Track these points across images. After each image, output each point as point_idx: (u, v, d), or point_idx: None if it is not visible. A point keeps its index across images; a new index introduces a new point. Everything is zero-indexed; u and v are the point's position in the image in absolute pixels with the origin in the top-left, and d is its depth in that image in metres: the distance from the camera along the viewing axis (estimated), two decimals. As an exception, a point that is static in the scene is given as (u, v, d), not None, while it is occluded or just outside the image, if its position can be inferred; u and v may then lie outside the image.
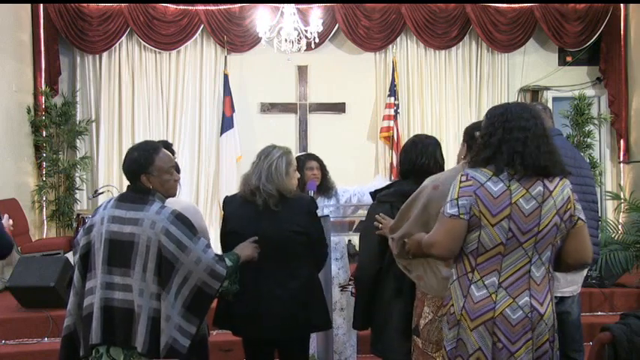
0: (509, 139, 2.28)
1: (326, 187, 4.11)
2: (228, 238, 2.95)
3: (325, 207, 3.84)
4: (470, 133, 2.71)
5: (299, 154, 4.66)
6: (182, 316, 2.52)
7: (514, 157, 2.26)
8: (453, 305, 2.34)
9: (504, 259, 2.27)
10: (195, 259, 2.54)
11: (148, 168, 2.62)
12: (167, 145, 3.30)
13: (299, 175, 3.19)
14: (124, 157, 2.71)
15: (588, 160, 7.67)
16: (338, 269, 4.08)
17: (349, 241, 6.15)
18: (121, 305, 2.54)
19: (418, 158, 3.00)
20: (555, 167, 2.29)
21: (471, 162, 2.38)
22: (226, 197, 3.17)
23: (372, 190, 3.23)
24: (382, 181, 4.28)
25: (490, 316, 2.25)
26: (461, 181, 2.30)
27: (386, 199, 3.00)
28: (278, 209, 2.93)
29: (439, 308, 2.62)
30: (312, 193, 3.85)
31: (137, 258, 2.53)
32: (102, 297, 2.55)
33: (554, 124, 3.57)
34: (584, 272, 3.41)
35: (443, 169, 2.99)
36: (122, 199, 2.65)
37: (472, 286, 2.29)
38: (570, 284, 3.30)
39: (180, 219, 2.59)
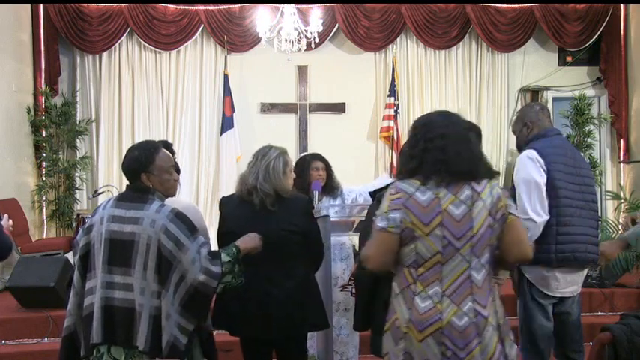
0: (431, 149, 2.30)
1: (331, 188, 4.10)
2: (226, 239, 2.96)
3: (331, 207, 3.83)
4: None
5: (304, 154, 4.65)
6: (180, 314, 2.52)
7: (437, 166, 2.27)
8: (397, 319, 2.31)
9: (444, 267, 2.26)
10: (191, 258, 2.54)
11: (149, 167, 2.62)
12: (167, 145, 3.30)
13: (294, 176, 3.19)
14: (123, 156, 2.71)
15: (588, 160, 7.67)
16: (343, 270, 4.07)
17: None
18: (121, 304, 2.54)
19: None
20: (479, 170, 2.30)
21: (399, 174, 2.40)
22: (223, 198, 3.18)
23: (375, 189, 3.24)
24: (387, 179, 4.27)
25: (438, 326, 2.23)
26: (390, 194, 2.31)
27: (386, 199, 3.00)
28: (274, 209, 2.94)
29: None
30: (316, 194, 3.83)
31: (138, 257, 2.53)
32: (102, 296, 2.55)
33: (554, 125, 3.55)
34: (584, 272, 3.37)
35: None
36: (122, 199, 2.65)
37: (416, 298, 2.27)
38: (570, 284, 3.29)
39: (180, 217, 2.59)
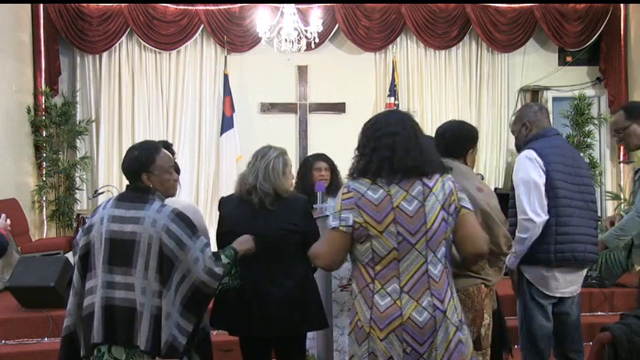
0: (380, 147, 2.32)
1: (336, 188, 4.06)
2: (226, 239, 2.96)
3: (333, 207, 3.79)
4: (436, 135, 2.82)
5: (309, 154, 4.61)
6: (180, 314, 2.53)
7: (384, 163, 2.29)
8: (359, 320, 2.32)
9: (401, 264, 2.27)
10: (194, 258, 2.54)
11: (149, 167, 2.63)
12: (167, 146, 3.31)
13: (294, 176, 3.19)
14: (123, 156, 2.71)
15: (588, 160, 7.68)
16: (348, 270, 4.06)
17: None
18: (122, 304, 2.54)
19: None
20: (426, 166, 2.31)
21: (351, 174, 2.41)
22: (222, 198, 3.18)
23: None
24: None
25: (399, 323, 2.24)
26: (343, 194, 2.33)
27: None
28: (273, 208, 2.94)
29: None
30: (320, 195, 3.81)
31: (139, 256, 2.53)
32: (103, 296, 2.55)
33: (554, 125, 3.55)
34: (584, 272, 3.37)
35: None
36: (122, 199, 2.65)
37: (375, 296, 2.28)
38: (570, 284, 3.29)
39: (181, 217, 2.60)
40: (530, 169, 3.20)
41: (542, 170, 3.19)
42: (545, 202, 3.17)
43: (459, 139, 2.93)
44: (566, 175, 3.23)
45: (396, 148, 2.31)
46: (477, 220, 2.39)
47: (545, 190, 3.17)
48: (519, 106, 8.24)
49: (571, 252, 3.18)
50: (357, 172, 2.37)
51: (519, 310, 3.41)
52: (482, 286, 2.77)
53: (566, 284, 3.27)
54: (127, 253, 2.54)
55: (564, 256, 3.18)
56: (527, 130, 3.40)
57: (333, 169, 4.09)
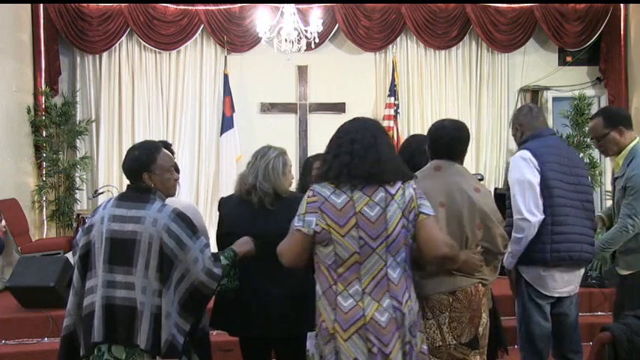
0: (340, 153, 2.42)
1: None
2: (226, 240, 2.95)
3: None
4: (430, 136, 2.86)
5: (309, 155, 4.60)
6: (178, 314, 2.54)
7: (343, 169, 2.38)
8: (324, 321, 2.39)
9: (362, 267, 2.35)
10: (194, 258, 2.55)
11: (150, 166, 2.63)
12: (167, 146, 3.31)
13: (293, 176, 3.20)
14: (124, 156, 2.71)
15: (588, 161, 7.68)
16: None
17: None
18: (122, 303, 2.54)
19: (412, 158, 3.05)
20: (385, 174, 2.38)
21: (315, 178, 2.50)
22: (222, 198, 3.18)
23: None
24: None
25: (362, 323, 2.32)
26: (308, 197, 2.43)
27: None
28: (273, 208, 2.94)
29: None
30: None
31: (139, 256, 2.54)
32: (103, 295, 2.55)
33: (554, 125, 3.55)
34: (581, 272, 3.36)
35: None
36: (123, 198, 2.65)
37: (338, 298, 2.36)
38: (567, 284, 3.29)
39: (182, 217, 2.61)
40: (525, 169, 3.21)
41: (537, 170, 3.20)
42: (541, 202, 3.17)
43: (456, 142, 2.91)
44: (561, 174, 3.23)
45: (354, 154, 2.39)
46: (436, 224, 2.46)
47: (540, 190, 3.18)
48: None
49: (567, 251, 3.19)
50: (318, 177, 2.47)
51: (518, 311, 3.40)
52: (480, 285, 2.77)
53: (564, 284, 3.27)
54: (127, 253, 2.55)
55: (560, 255, 3.18)
56: (520, 133, 3.45)
57: None
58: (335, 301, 2.37)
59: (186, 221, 2.61)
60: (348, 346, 2.33)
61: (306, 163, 4.14)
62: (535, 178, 3.18)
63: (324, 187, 2.41)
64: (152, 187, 2.65)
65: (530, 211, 3.15)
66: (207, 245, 2.65)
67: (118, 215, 2.59)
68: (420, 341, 2.46)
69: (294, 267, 2.51)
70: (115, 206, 2.62)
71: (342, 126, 2.55)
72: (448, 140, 2.82)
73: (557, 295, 3.28)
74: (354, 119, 2.58)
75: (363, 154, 2.39)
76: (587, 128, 7.79)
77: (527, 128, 3.40)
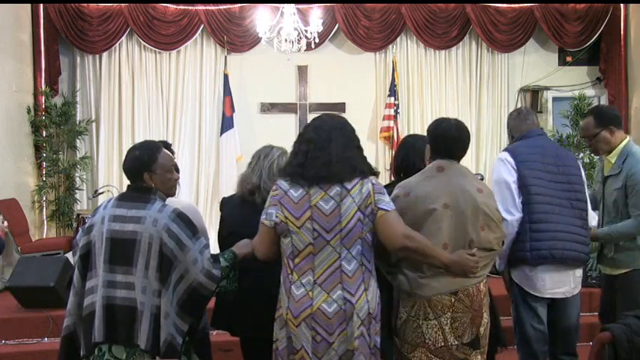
0: (298, 152, 2.57)
1: None
2: (228, 240, 2.95)
3: None
4: (431, 135, 2.88)
5: None
6: (177, 314, 2.54)
7: (297, 169, 2.52)
8: (281, 307, 2.55)
9: (316, 258, 2.49)
10: (193, 259, 2.55)
11: (152, 166, 2.64)
12: (167, 146, 3.31)
13: None
14: (124, 156, 2.71)
15: (588, 160, 7.67)
16: None
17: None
18: (123, 303, 2.55)
19: (409, 157, 3.06)
20: (333, 177, 2.48)
21: (278, 172, 2.63)
22: (224, 198, 3.18)
23: None
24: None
25: (309, 312, 2.46)
26: (272, 191, 2.58)
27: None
28: None
29: (412, 308, 2.67)
30: None
31: (139, 256, 2.54)
32: (104, 295, 2.55)
33: (554, 124, 3.56)
34: (575, 272, 3.30)
35: None
36: (123, 199, 2.66)
37: (292, 287, 2.51)
38: (560, 285, 3.25)
39: (182, 218, 2.61)
40: (501, 170, 3.26)
41: (514, 169, 3.23)
42: (519, 201, 3.20)
43: (457, 142, 2.91)
44: (544, 173, 3.24)
45: (308, 155, 2.53)
46: (396, 219, 2.54)
47: (519, 189, 3.21)
48: (519, 106, 8.26)
49: (549, 249, 3.17)
50: (279, 172, 2.63)
51: (512, 312, 3.41)
52: (481, 285, 2.77)
53: (554, 284, 3.24)
54: (128, 253, 2.55)
55: (541, 253, 3.17)
56: (511, 136, 3.53)
57: None
58: (289, 290, 2.51)
59: (186, 222, 2.61)
60: (298, 332, 2.48)
61: None
62: (511, 178, 3.22)
63: (286, 181, 2.55)
64: (152, 187, 2.65)
65: (507, 210, 3.18)
66: (207, 246, 2.65)
67: (118, 215, 2.59)
68: (374, 333, 2.56)
69: (267, 259, 2.61)
70: (116, 206, 2.62)
71: (307, 124, 2.68)
72: (451, 140, 2.82)
73: (548, 295, 3.26)
74: (317, 117, 2.68)
75: (315, 155, 2.51)
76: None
77: (515, 131, 3.48)
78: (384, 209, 2.51)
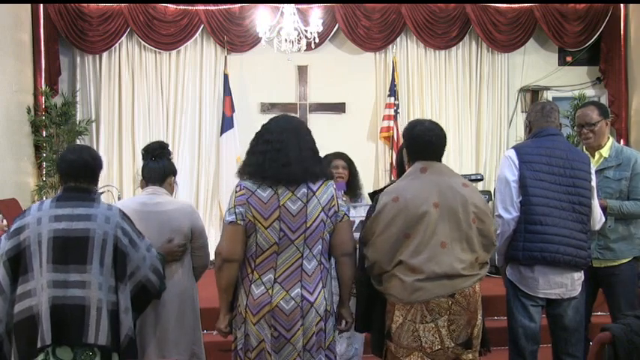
0: (256, 152, 2.65)
1: (352, 188, 4.03)
2: None
3: (353, 208, 3.69)
4: (407, 139, 2.93)
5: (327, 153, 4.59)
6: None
7: (255, 168, 2.60)
8: (239, 305, 2.63)
9: (279, 257, 2.57)
10: (143, 256, 2.68)
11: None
12: (163, 146, 3.32)
13: None
14: (61, 156, 2.80)
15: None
16: None
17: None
18: (73, 302, 2.53)
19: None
20: (293, 179, 2.55)
21: (237, 173, 2.71)
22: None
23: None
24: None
25: (268, 309, 2.55)
26: (236, 192, 2.62)
27: (384, 200, 3.01)
28: None
29: (408, 312, 2.65)
30: (341, 195, 3.77)
31: (94, 252, 2.56)
32: (50, 296, 2.51)
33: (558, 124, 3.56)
34: (575, 275, 3.28)
35: None
36: (64, 199, 2.67)
37: (252, 286, 2.58)
38: (556, 286, 3.24)
39: (127, 217, 2.74)
40: (505, 168, 3.27)
41: (516, 168, 3.23)
42: (518, 200, 3.19)
43: (436, 144, 2.91)
44: (547, 174, 3.22)
45: (266, 156, 2.59)
46: (351, 227, 2.72)
47: (520, 188, 3.20)
48: (519, 106, 8.27)
49: (540, 251, 3.16)
50: (238, 173, 2.69)
51: (506, 309, 3.42)
52: (477, 286, 2.78)
53: (549, 285, 3.23)
54: (79, 250, 2.55)
55: (532, 254, 3.17)
56: (529, 130, 3.48)
57: (351, 168, 4.05)
58: (249, 289, 2.58)
59: (131, 221, 2.74)
60: (257, 329, 2.56)
61: (324, 160, 4.12)
62: (513, 177, 3.22)
63: (252, 182, 2.60)
64: (92, 187, 2.72)
65: (505, 208, 3.20)
66: (152, 245, 2.79)
67: (62, 215, 2.59)
68: (333, 328, 2.69)
69: (232, 259, 2.62)
70: (56, 207, 2.63)
71: (265, 124, 2.73)
72: (427, 143, 2.86)
73: (542, 295, 3.26)
74: (275, 118, 2.75)
75: (273, 157, 2.57)
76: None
77: (534, 126, 3.45)
78: (348, 216, 2.68)
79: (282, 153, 2.58)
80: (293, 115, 2.92)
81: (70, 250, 2.56)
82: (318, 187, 2.60)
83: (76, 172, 2.70)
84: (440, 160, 2.90)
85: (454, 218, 2.70)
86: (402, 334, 2.68)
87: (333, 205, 2.62)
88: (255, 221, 2.55)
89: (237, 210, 2.58)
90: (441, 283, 2.66)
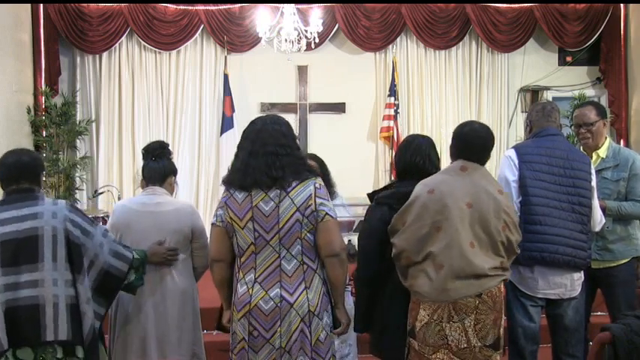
0: (237, 157, 2.74)
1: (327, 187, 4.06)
2: None
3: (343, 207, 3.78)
4: (457, 137, 2.94)
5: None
6: (93, 299, 2.63)
7: (234, 174, 2.68)
8: (232, 303, 2.69)
9: (257, 257, 2.61)
10: (99, 243, 2.69)
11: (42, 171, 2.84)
12: (163, 146, 3.32)
13: None
14: (10, 159, 2.80)
15: (588, 160, 7.66)
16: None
17: (349, 241, 6.14)
18: (26, 303, 2.51)
19: (412, 158, 3.05)
20: (262, 183, 2.59)
21: (222, 180, 2.77)
22: None
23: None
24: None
25: (247, 309, 2.59)
26: (222, 194, 2.72)
27: (384, 201, 3.01)
28: None
29: (435, 311, 2.64)
30: (324, 193, 3.80)
31: (45, 249, 2.55)
32: (3, 300, 2.50)
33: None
34: (574, 276, 3.28)
35: (438, 169, 3.05)
36: (8, 202, 2.68)
37: (238, 284, 2.65)
38: (555, 286, 3.24)
39: (76, 208, 2.78)
40: (505, 167, 3.27)
41: (516, 168, 3.23)
42: (518, 200, 3.19)
43: (486, 149, 2.97)
44: (548, 174, 3.21)
45: (244, 161, 2.67)
46: (337, 228, 2.66)
47: (519, 188, 3.20)
48: (519, 106, 8.28)
49: (539, 251, 3.16)
50: (222, 180, 2.75)
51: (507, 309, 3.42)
52: (502, 285, 2.80)
53: (549, 286, 3.23)
54: (30, 250, 2.55)
55: (531, 254, 3.16)
56: (529, 129, 3.49)
57: (322, 169, 4.07)
58: (236, 287, 2.66)
59: (81, 211, 2.78)
60: (239, 327, 2.63)
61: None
62: (512, 177, 3.22)
63: (232, 185, 2.69)
64: (34, 187, 2.74)
65: None
66: (108, 231, 2.83)
67: (8, 218, 2.59)
68: (320, 330, 2.62)
69: (219, 259, 2.73)
70: (0, 211, 2.62)
71: (246, 127, 2.80)
72: (472, 143, 2.87)
73: (541, 296, 3.26)
74: (254, 121, 2.79)
75: (246, 162, 2.64)
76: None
77: (535, 125, 3.45)
78: (331, 215, 2.62)
79: (258, 159, 2.63)
80: (274, 114, 2.92)
81: (20, 251, 2.55)
82: (294, 188, 2.60)
83: (16, 174, 2.72)
84: (483, 164, 2.91)
85: (485, 221, 2.71)
86: (427, 332, 2.68)
87: (310, 205, 2.59)
88: (233, 222, 2.62)
89: (218, 212, 2.69)
90: (469, 283, 2.66)
